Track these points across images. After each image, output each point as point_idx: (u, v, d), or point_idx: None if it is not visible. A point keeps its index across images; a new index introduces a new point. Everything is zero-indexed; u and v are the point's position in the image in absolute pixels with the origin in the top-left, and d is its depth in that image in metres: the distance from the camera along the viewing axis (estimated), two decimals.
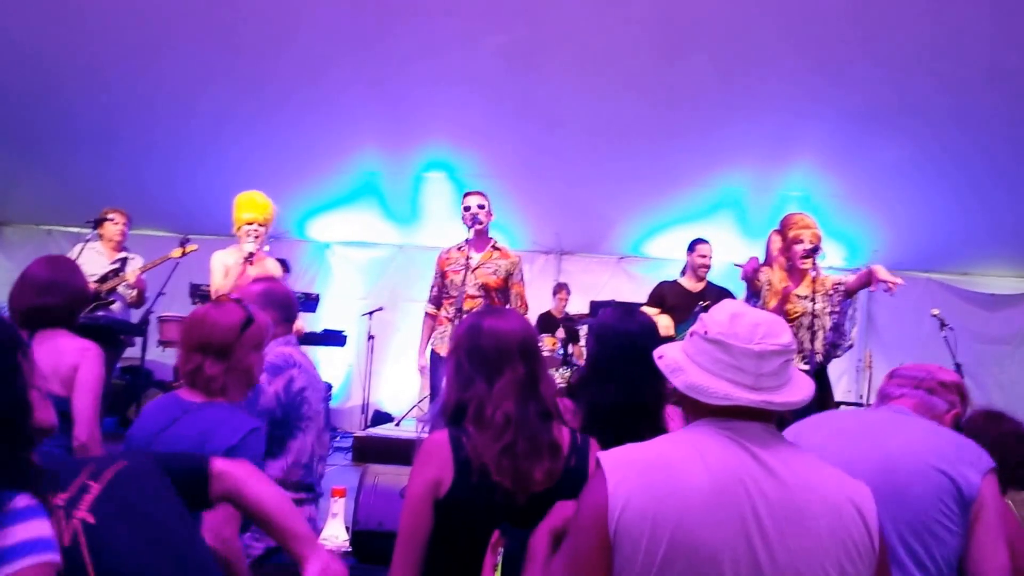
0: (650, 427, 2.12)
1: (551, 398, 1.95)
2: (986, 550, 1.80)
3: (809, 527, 1.35)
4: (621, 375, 2.26)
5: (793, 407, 1.44)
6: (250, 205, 4.69)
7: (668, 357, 1.51)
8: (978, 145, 6.35)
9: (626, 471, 1.39)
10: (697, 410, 1.47)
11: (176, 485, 1.62)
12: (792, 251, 4.12)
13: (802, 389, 1.47)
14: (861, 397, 6.93)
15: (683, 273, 5.59)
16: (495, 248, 4.52)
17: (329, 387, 6.98)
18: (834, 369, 7.32)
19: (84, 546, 1.47)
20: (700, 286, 5.49)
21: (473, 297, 4.38)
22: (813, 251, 4.07)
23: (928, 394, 2.08)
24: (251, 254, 4.51)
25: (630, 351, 2.26)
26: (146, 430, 2.19)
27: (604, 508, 1.36)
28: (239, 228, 4.64)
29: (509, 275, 4.47)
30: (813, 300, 4.08)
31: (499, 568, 1.64)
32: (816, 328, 4.07)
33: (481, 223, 4.43)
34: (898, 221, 7.29)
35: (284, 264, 7.88)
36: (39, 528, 1.28)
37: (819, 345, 4.06)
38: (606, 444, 2.05)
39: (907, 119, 6.24)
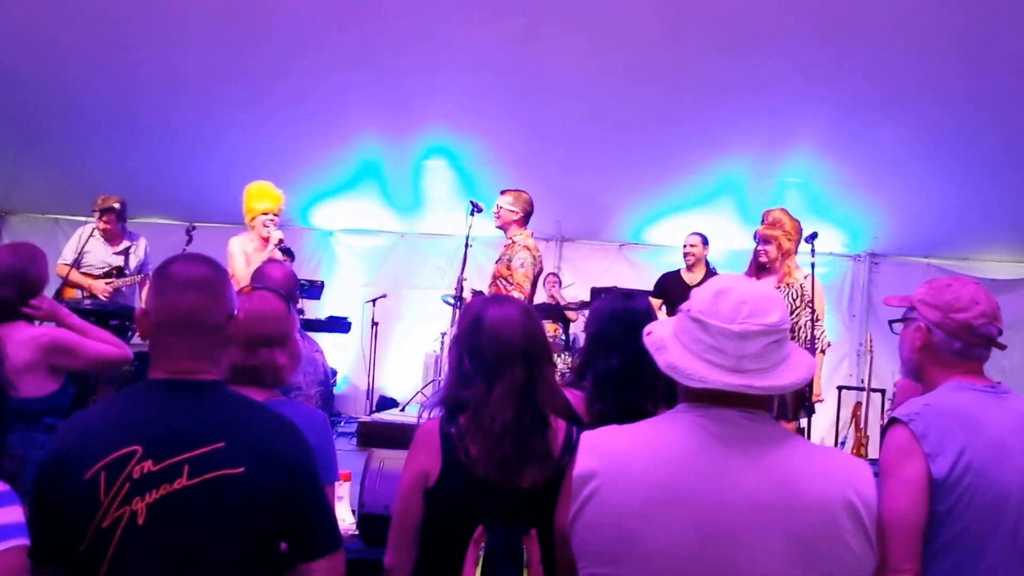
0: (651, 396, 2.13)
1: (550, 403, 1.90)
2: None
3: (783, 527, 1.24)
4: (619, 343, 2.21)
5: (780, 391, 1.32)
6: (265, 195, 4.85)
7: (655, 334, 1.42)
8: (978, 130, 6.33)
9: (592, 459, 1.36)
10: (682, 392, 1.39)
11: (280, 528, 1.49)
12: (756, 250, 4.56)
13: (795, 371, 1.33)
14: (863, 381, 6.96)
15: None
16: (514, 241, 4.87)
17: (334, 373, 7.06)
18: (835, 353, 7.47)
19: (115, 541, 1.35)
20: (699, 276, 5.63)
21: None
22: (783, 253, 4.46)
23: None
24: (280, 240, 4.81)
25: (625, 321, 2.23)
26: None
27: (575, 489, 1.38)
28: (253, 218, 4.77)
29: (510, 261, 4.74)
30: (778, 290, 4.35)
31: (480, 563, 1.66)
32: None
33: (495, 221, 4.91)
34: (898, 206, 7.28)
35: (289, 253, 7.93)
36: (11, 514, 1.31)
37: None
38: (615, 411, 2.07)
39: (907, 104, 6.23)
